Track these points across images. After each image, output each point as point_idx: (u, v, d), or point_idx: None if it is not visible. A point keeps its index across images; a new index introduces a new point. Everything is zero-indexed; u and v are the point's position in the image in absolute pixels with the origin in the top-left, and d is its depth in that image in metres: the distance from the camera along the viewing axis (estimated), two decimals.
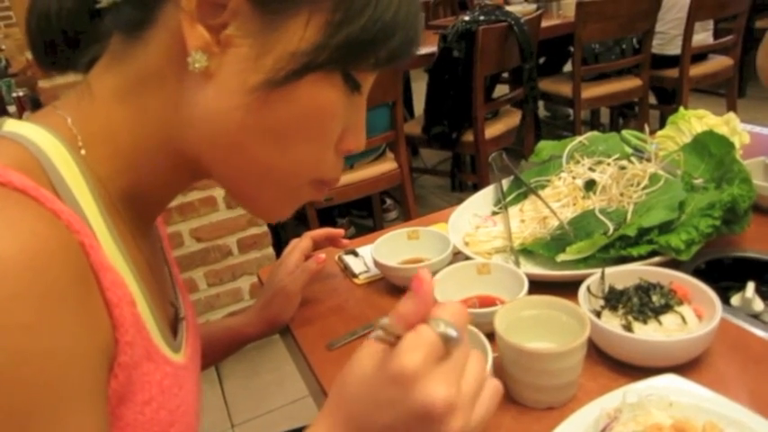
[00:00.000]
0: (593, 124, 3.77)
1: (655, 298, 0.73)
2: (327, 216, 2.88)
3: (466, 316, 0.43)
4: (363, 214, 3.06)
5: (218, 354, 0.89)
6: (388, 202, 3.10)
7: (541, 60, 3.62)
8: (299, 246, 0.92)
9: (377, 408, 0.41)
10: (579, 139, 1.11)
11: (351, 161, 2.37)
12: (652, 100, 3.31)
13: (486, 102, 2.55)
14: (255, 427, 2.01)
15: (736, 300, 0.84)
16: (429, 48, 2.68)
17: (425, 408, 0.39)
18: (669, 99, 3.39)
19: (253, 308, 0.89)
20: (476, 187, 1.05)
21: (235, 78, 0.44)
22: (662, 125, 1.13)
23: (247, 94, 0.44)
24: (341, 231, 0.97)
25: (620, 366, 0.71)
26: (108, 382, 0.41)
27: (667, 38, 3.13)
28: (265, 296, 0.88)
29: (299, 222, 2.58)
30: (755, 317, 0.80)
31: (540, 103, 3.54)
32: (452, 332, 0.40)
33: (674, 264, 0.84)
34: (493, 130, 2.66)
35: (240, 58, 0.43)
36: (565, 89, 3.03)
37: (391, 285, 0.95)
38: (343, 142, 0.51)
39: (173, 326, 0.57)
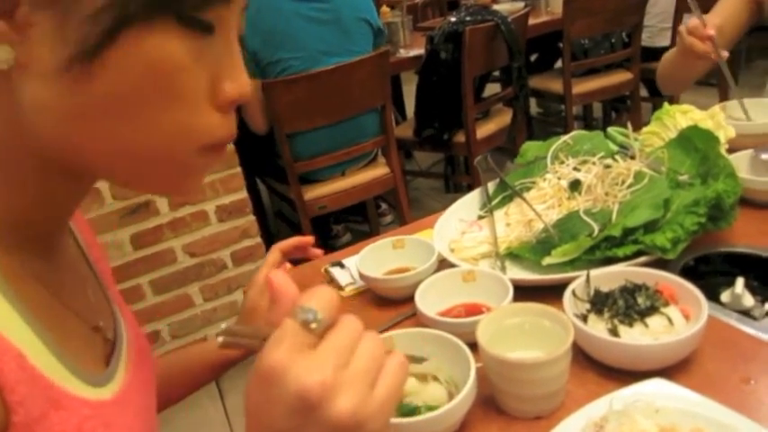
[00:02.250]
0: (586, 120, 3.76)
1: (640, 300, 0.72)
2: (322, 223, 2.87)
3: (334, 299, 0.40)
4: (359, 219, 3.05)
5: (202, 378, 0.86)
6: (383, 206, 3.09)
7: (533, 58, 3.61)
8: (267, 261, 0.88)
9: (266, 414, 0.37)
10: (564, 138, 1.10)
11: (343, 167, 2.36)
12: (644, 93, 3.30)
13: (476, 102, 2.54)
14: None
15: (725, 296, 0.83)
16: (417, 50, 2.67)
17: (300, 395, 0.35)
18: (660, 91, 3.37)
19: None
20: (470, 188, 1.05)
21: (48, 60, 0.38)
22: None
23: (64, 72, 0.38)
24: (310, 239, 0.92)
25: (608, 371, 0.70)
26: None
27: (656, 30, 3.12)
28: (240, 317, 0.86)
29: (294, 231, 2.57)
30: (746, 313, 0.79)
31: (533, 101, 3.53)
32: (312, 316, 0.37)
33: (661, 262, 0.83)
34: (484, 130, 2.65)
35: (45, 36, 0.37)
36: (556, 86, 3.02)
37: (377, 297, 0.94)
38: (219, 93, 0.43)
39: (104, 351, 0.53)
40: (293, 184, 2.23)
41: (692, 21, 1.18)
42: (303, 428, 0.36)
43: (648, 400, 0.58)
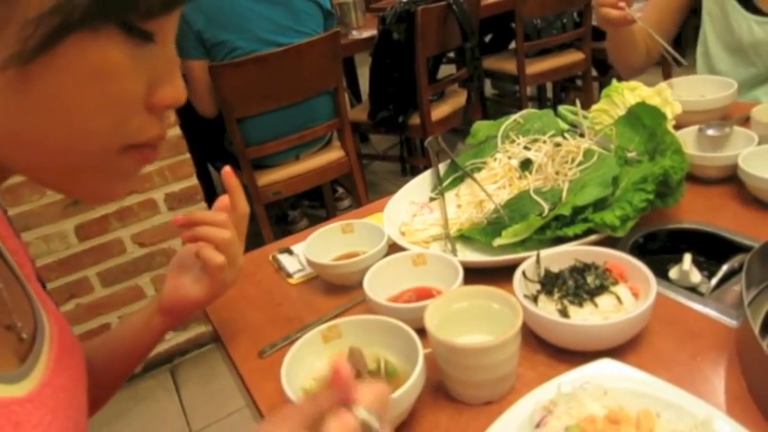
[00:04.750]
0: (540, 100, 3.78)
1: (590, 279, 0.71)
2: (278, 208, 2.82)
3: (387, 401, 0.43)
4: (316, 204, 3.00)
5: (135, 355, 0.78)
6: (340, 190, 3.05)
7: (488, 38, 3.61)
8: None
9: None
10: (514, 117, 1.09)
11: (296, 152, 2.31)
12: (595, 73, 3.33)
13: (430, 83, 2.52)
14: (215, 431, 1.96)
15: (674, 273, 0.83)
16: (370, 31, 2.62)
17: None
18: (609, 70, 3.41)
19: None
20: (426, 170, 1.03)
21: None
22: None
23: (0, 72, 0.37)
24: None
25: (559, 353, 0.69)
26: None
27: None
28: (163, 293, 0.77)
29: (250, 219, 2.51)
30: (693, 289, 0.79)
31: (488, 82, 3.53)
32: (374, 422, 0.40)
33: (611, 241, 0.83)
34: (439, 111, 2.63)
35: None
36: (509, 66, 3.02)
37: (327, 284, 0.91)
38: (156, 97, 0.44)
39: (19, 350, 0.50)
40: (245, 170, 2.17)
41: None
42: None
43: (597, 381, 0.57)
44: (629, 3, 1.19)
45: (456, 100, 2.75)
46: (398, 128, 2.59)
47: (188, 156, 2.02)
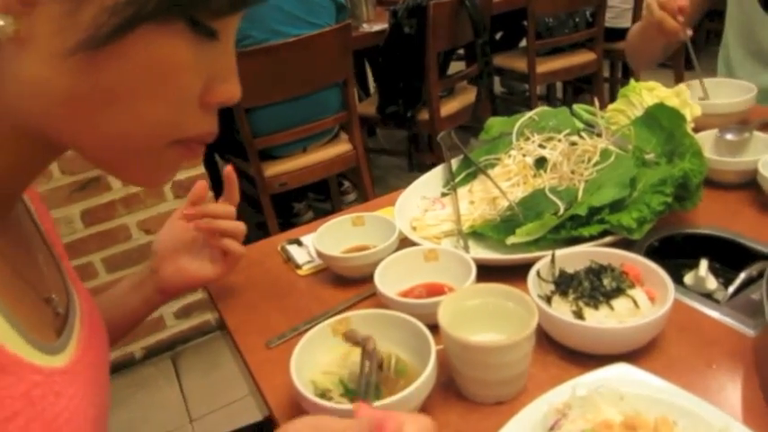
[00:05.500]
0: (549, 99, 3.76)
1: (606, 281, 0.70)
2: (283, 201, 2.81)
3: None
4: (321, 198, 2.99)
5: (126, 329, 0.84)
6: (346, 184, 3.03)
7: (498, 36, 3.58)
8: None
9: None
10: (529, 114, 1.07)
11: (304, 144, 2.30)
12: (606, 74, 3.30)
13: (440, 79, 2.50)
14: (215, 420, 1.96)
15: (689, 278, 0.82)
16: (380, 24, 2.60)
17: None
18: (623, 72, 3.39)
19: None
20: (433, 166, 1.02)
21: (52, 40, 0.39)
22: (612, 99, 1.11)
23: (68, 56, 0.39)
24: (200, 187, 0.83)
25: (572, 355, 0.68)
26: None
27: (619, 11, 3.12)
28: (153, 260, 0.82)
29: (254, 208, 2.51)
30: (708, 296, 0.78)
31: (497, 79, 3.51)
32: None
33: (626, 243, 0.81)
34: (448, 107, 2.61)
35: (53, 16, 0.38)
36: (520, 64, 3.00)
37: (336, 276, 0.90)
38: (211, 94, 0.46)
39: (55, 324, 0.51)
40: (253, 161, 2.16)
41: None
42: None
43: (612, 386, 0.56)
44: (685, 15, 1.14)
45: (465, 96, 2.73)
46: (407, 123, 2.58)
47: None
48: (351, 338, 0.62)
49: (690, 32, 1.17)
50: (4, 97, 0.42)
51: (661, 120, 0.95)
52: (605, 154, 0.91)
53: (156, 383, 2.11)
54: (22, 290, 0.48)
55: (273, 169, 2.24)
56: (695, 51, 1.22)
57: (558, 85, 3.74)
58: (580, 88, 3.71)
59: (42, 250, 0.57)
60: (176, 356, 2.21)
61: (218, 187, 2.44)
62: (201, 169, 2.04)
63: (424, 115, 2.55)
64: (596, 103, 1.03)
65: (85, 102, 0.41)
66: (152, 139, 0.45)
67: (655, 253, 0.87)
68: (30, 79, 0.40)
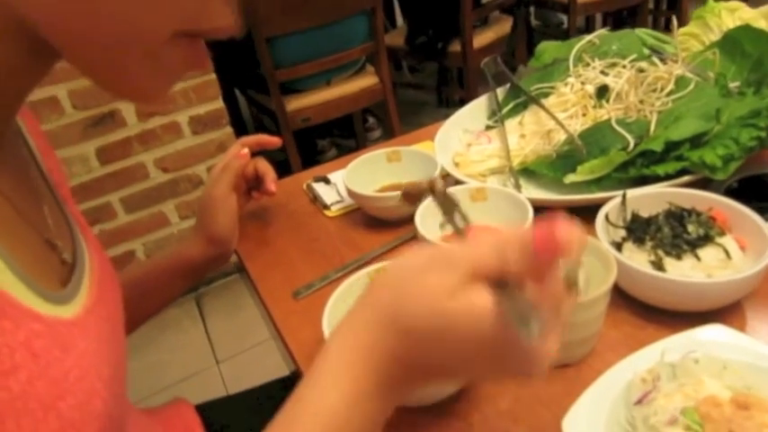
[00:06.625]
0: (588, 32, 3.53)
1: (691, 228, 0.59)
2: (306, 138, 2.70)
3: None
4: (345, 134, 2.88)
5: (172, 288, 0.77)
6: (371, 120, 2.91)
7: None
8: (228, 152, 0.79)
9: (451, 352, 0.35)
10: (588, 38, 0.94)
11: (328, 76, 2.17)
12: (651, 5, 3.07)
13: (474, 8, 2.33)
14: (241, 362, 1.93)
15: None
16: None
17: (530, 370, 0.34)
18: (668, 4, 3.14)
19: (191, 228, 0.77)
20: (463, 102, 0.92)
21: None
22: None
23: None
24: (275, 140, 0.83)
25: (647, 311, 0.59)
26: None
27: None
28: (198, 211, 0.76)
29: (277, 149, 2.41)
30: None
31: (531, 11, 3.29)
32: (579, 278, 0.35)
33: (701, 183, 0.70)
34: (482, 38, 2.44)
35: None
36: None
37: (369, 218, 0.80)
38: None
39: (61, 273, 0.45)
40: (274, 94, 2.04)
41: None
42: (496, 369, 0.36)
43: (710, 352, 0.47)
44: None
45: (500, 27, 2.55)
46: (437, 54, 2.42)
47: (214, 76, 1.89)
48: (411, 195, 0.51)
49: None
50: None
51: (745, 44, 0.82)
52: (682, 82, 0.79)
53: (180, 325, 2.08)
54: (23, 230, 0.42)
55: (296, 103, 2.13)
56: None
57: (598, 17, 3.50)
58: (621, 20, 3.47)
59: (44, 191, 0.50)
60: (200, 297, 2.18)
61: (238, 124, 2.34)
62: (220, 103, 1.94)
63: (455, 47, 2.39)
64: (674, 22, 0.89)
65: None
66: (158, 26, 0.37)
67: (733, 196, 0.76)
68: None
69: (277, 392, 0.79)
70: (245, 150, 0.78)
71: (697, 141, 0.70)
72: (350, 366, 0.35)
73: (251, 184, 0.81)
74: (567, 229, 0.32)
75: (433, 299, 0.34)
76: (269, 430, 0.36)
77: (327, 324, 0.54)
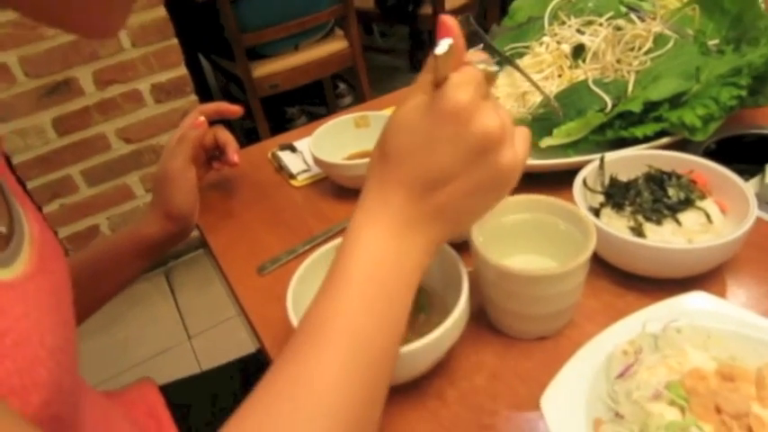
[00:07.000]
0: None
1: (672, 191, 0.57)
2: (274, 105, 2.63)
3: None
4: (315, 101, 2.81)
5: (130, 267, 0.72)
6: (341, 86, 2.84)
7: None
8: (184, 123, 0.75)
9: (435, 152, 0.39)
10: None
11: (295, 41, 2.10)
12: None
13: None
14: (213, 336, 1.89)
15: (752, 185, 0.70)
16: None
17: (484, 137, 0.38)
18: None
19: (148, 204, 0.73)
20: None
21: None
22: None
23: None
24: (236, 108, 0.78)
25: (627, 279, 0.57)
26: None
27: None
28: (154, 187, 0.72)
29: (244, 116, 2.34)
30: None
31: None
32: (492, 68, 0.40)
33: (679, 145, 0.68)
34: (453, 0, 2.38)
35: None
36: None
37: (337, 187, 0.77)
38: None
39: None
40: (239, 59, 1.96)
41: None
42: (472, 168, 0.39)
43: (693, 321, 0.45)
44: None
45: None
46: (409, 17, 2.36)
47: (176, 41, 1.81)
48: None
49: None
50: None
51: (724, 0, 0.79)
52: (661, 40, 0.76)
53: (150, 300, 2.03)
54: None
55: (263, 69, 2.06)
56: None
57: None
58: None
59: None
60: (169, 272, 2.12)
61: (203, 91, 2.26)
62: (183, 70, 1.85)
63: (427, 9, 2.32)
64: None
65: None
66: None
67: (711, 157, 0.74)
68: None
69: (241, 372, 0.76)
70: (202, 119, 0.73)
71: (676, 101, 0.68)
72: (373, 224, 0.39)
73: (211, 155, 0.77)
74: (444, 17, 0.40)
75: (408, 117, 0.39)
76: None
77: (292, 301, 0.51)
